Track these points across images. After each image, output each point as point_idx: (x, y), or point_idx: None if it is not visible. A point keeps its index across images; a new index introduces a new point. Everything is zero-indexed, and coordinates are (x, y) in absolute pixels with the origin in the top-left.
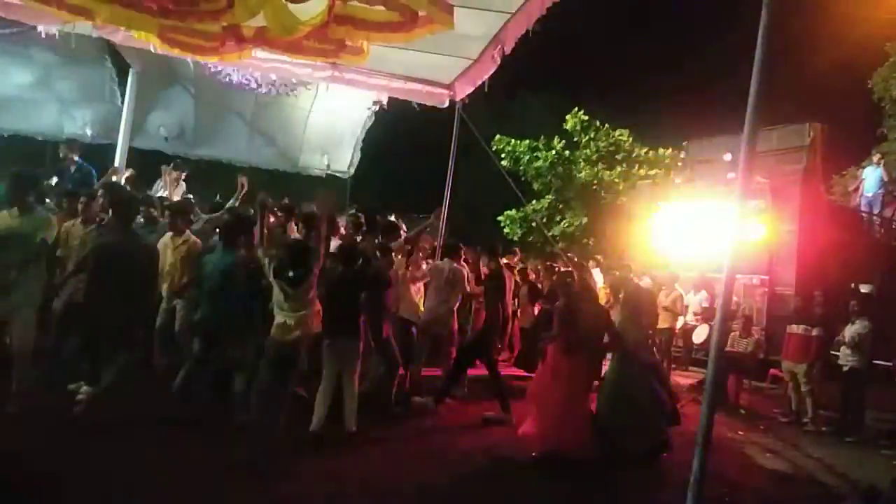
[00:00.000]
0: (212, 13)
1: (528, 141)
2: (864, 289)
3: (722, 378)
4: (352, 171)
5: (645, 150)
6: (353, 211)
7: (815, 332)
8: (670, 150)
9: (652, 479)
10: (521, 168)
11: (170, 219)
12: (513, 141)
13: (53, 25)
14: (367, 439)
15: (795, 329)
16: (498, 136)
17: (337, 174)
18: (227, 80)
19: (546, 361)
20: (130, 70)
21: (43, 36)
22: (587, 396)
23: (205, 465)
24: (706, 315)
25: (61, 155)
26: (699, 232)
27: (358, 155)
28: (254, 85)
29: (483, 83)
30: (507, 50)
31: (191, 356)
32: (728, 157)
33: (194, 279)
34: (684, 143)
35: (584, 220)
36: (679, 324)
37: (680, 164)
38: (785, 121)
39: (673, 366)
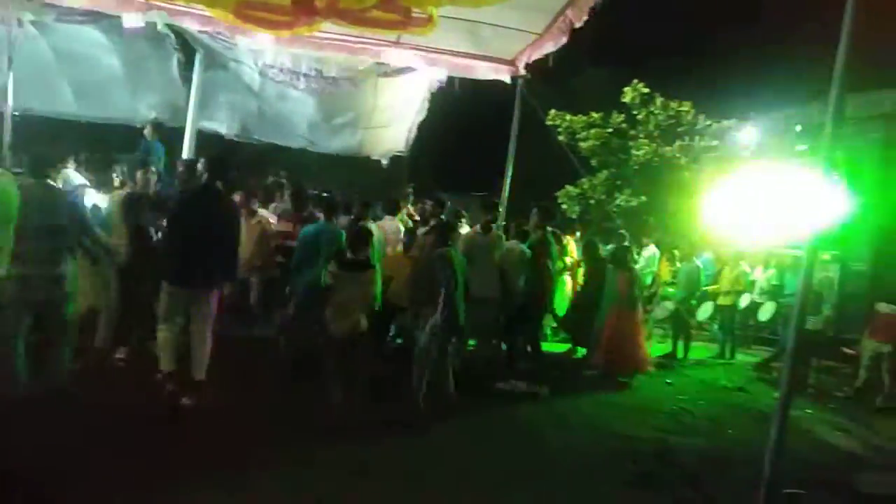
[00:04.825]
0: None
1: (584, 117)
2: None
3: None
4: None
5: (708, 122)
6: (409, 190)
7: None
8: (735, 121)
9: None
10: (578, 144)
11: (242, 200)
12: (568, 116)
13: (134, 15)
14: None
15: (885, 308)
16: (553, 112)
17: (395, 154)
18: (288, 82)
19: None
20: (196, 55)
21: (126, 27)
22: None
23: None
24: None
25: (146, 134)
26: (766, 206)
27: (414, 134)
28: (315, 86)
29: (548, 58)
30: (578, 23)
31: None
32: (798, 128)
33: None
34: (751, 114)
35: (643, 198)
36: (744, 301)
37: (746, 135)
38: (861, 88)
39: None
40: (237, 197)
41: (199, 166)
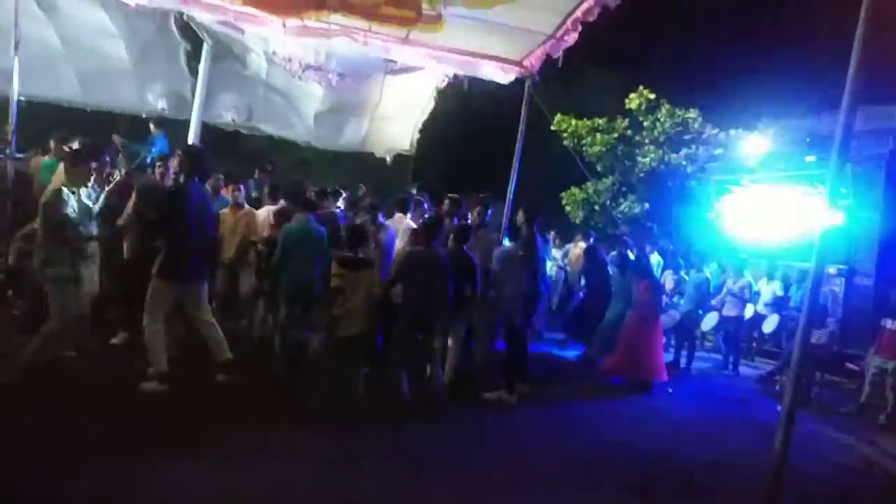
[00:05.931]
0: None
1: (589, 121)
2: None
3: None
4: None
5: (715, 131)
6: (414, 189)
7: None
8: (742, 130)
9: (722, 470)
10: (584, 149)
11: (232, 191)
12: (574, 121)
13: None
14: None
15: (891, 325)
16: (559, 116)
17: (401, 153)
18: (295, 71)
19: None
20: (203, 45)
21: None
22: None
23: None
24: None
25: (152, 129)
26: (772, 218)
27: (419, 132)
28: (320, 78)
29: (559, 58)
30: (591, 18)
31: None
32: (807, 139)
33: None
34: (759, 124)
35: (646, 206)
36: (748, 312)
37: (753, 145)
38: (870, 101)
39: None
40: (227, 190)
41: (176, 160)
